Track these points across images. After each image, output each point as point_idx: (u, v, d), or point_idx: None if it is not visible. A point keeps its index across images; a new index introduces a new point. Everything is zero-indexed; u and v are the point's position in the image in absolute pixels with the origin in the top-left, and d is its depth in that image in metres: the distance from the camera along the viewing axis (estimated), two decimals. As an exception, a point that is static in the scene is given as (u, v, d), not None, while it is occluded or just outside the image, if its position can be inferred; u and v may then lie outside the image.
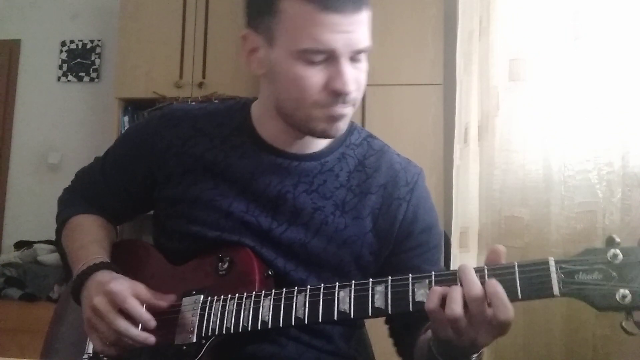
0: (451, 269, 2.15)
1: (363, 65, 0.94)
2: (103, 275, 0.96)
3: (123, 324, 0.90)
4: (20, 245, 3.34)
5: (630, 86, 1.52)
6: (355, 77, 0.92)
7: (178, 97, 3.09)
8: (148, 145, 1.08)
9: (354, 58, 0.91)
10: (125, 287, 0.92)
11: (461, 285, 0.77)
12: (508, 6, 1.85)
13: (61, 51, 3.68)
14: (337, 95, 0.91)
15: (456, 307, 0.76)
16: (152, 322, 0.91)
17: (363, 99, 1.88)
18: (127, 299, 0.90)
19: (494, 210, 1.81)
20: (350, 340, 1.08)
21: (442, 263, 1.21)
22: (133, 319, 0.91)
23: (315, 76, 0.90)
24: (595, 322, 1.50)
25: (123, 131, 3.17)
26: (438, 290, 0.78)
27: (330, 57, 0.89)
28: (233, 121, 1.07)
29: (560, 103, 1.68)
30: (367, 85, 0.98)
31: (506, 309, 0.75)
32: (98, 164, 1.18)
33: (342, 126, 0.97)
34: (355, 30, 0.89)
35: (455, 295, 0.76)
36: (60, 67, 3.68)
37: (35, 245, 3.24)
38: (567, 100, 1.66)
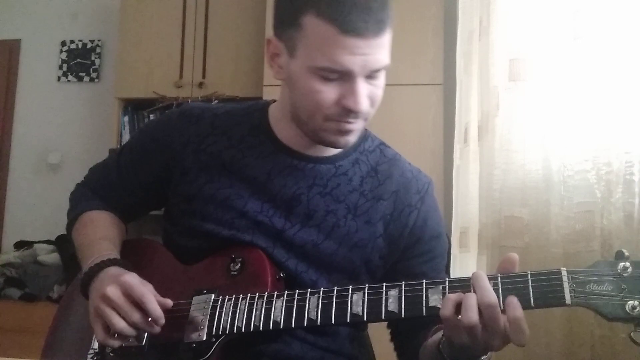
0: (451, 269, 2.16)
1: (379, 81, 0.95)
2: (116, 270, 0.97)
3: (138, 316, 0.90)
4: (20, 245, 3.33)
5: (630, 86, 1.52)
6: (369, 94, 0.93)
7: (178, 97, 3.10)
8: (166, 140, 1.09)
9: (370, 76, 0.92)
10: (138, 282, 0.93)
11: (474, 292, 0.78)
12: (508, 6, 1.85)
13: (61, 51, 3.68)
14: (348, 111, 0.93)
15: (472, 314, 0.76)
16: (162, 320, 0.92)
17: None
18: (146, 294, 0.91)
19: (494, 210, 1.81)
20: (354, 341, 1.09)
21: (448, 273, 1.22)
22: (145, 314, 0.91)
23: (329, 92, 0.92)
24: (595, 322, 1.50)
25: (123, 131, 3.19)
26: (452, 297, 0.79)
27: (346, 76, 0.91)
28: (251, 121, 1.09)
29: (560, 103, 1.68)
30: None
31: (523, 335, 0.76)
32: (113, 159, 1.18)
33: (352, 139, 0.99)
34: (374, 52, 0.90)
35: (471, 303, 0.77)
36: (60, 67, 3.67)
37: (35, 245, 3.23)
38: (567, 100, 1.66)
